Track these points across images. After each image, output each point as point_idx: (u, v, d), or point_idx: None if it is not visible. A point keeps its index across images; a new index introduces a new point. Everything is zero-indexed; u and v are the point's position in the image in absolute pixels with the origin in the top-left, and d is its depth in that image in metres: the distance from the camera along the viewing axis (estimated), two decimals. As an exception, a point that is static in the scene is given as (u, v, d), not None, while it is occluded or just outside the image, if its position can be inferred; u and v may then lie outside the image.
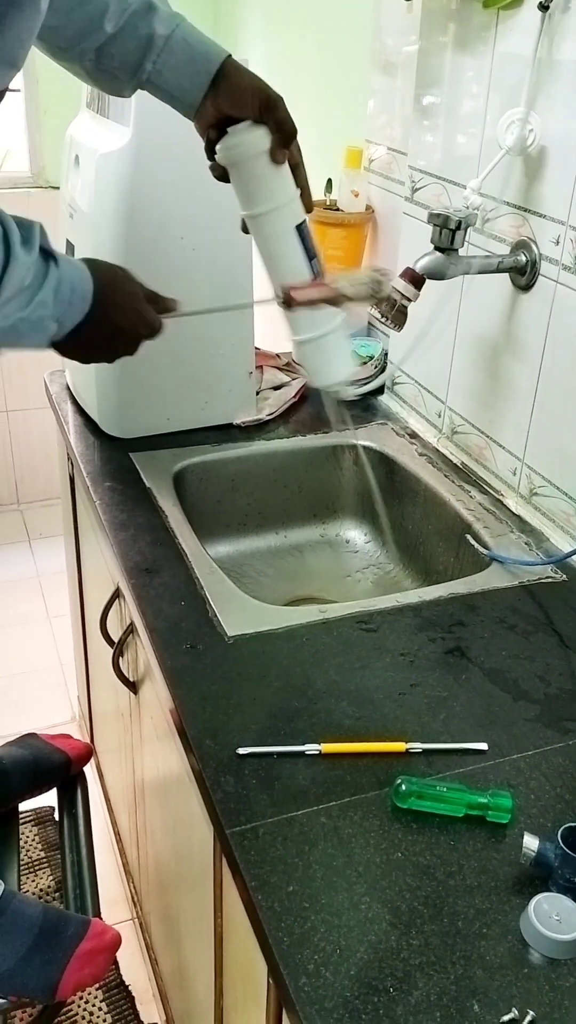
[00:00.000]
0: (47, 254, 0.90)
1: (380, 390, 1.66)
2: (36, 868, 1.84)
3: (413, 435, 1.52)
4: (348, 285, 1.01)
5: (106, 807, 1.90)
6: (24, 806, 1.48)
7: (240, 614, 1.06)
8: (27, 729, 1.54)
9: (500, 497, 1.34)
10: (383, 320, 1.23)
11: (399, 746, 0.87)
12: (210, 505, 1.44)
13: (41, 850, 1.89)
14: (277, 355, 1.73)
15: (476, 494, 1.35)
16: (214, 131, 0.99)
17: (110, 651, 1.33)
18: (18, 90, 2.65)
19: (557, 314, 1.17)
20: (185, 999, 1.36)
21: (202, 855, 1.00)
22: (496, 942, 0.70)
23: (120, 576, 1.16)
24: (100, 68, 0.99)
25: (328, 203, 1.80)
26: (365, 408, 1.61)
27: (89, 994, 1.62)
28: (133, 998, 1.63)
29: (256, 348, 1.54)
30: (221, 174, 1.01)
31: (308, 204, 1.03)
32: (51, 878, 1.81)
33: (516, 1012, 0.65)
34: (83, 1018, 1.59)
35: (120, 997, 1.63)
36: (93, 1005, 1.61)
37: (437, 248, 1.20)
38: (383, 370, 1.64)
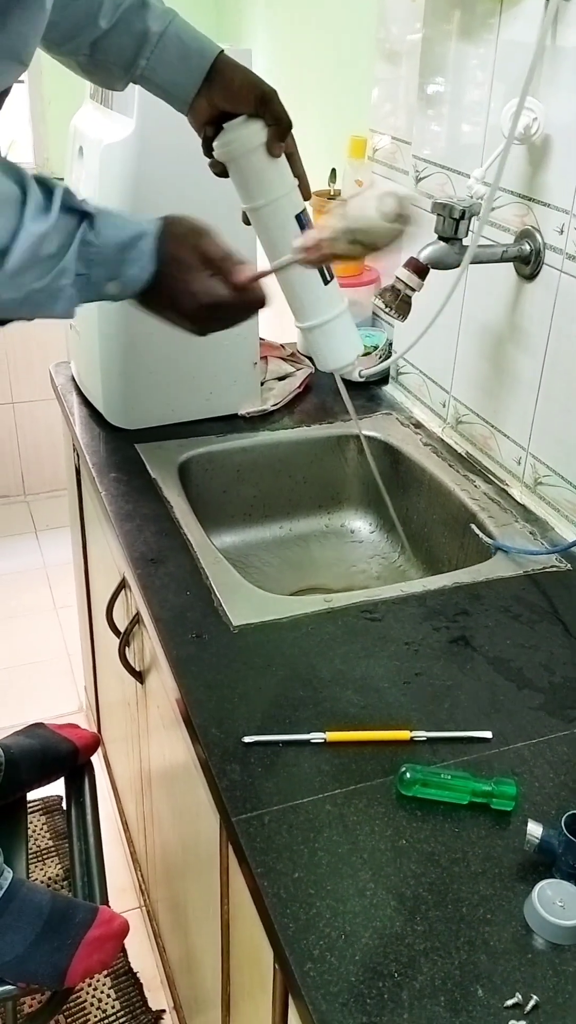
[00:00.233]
0: (81, 215, 0.82)
1: (385, 380, 1.66)
2: (44, 857, 1.85)
3: (418, 425, 1.52)
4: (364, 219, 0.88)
5: (113, 796, 1.92)
6: (32, 795, 1.49)
7: (245, 604, 1.07)
8: (34, 719, 1.55)
9: (505, 486, 1.34)
10: (387, 310, 1.23)
11: (404, 734, 0.88)
12: (215, 496, 1.44)
13: (49, 839, 1.90)
14: (282, 345, 1.73)
15: (481, 483, 1.35)
16: (210, 128, 0.99)
17: (116, 641, 1.34)
18: (22, 81, 2.65)
19: (561, 303, 1.17)
20: (192, 985, 1.37)
21: (208, 843, 1.00)
22: (500, 928, 0.71)
23: (126, 566, 1.16)
24: (94, 62, 1.00)
25: (332, 193, 1.79)
26: (370, 398, 1.62)
27: (98, 981, 1.64)
28: (141, 985, 1.64)
29: (260, 338, 1.54)
30: (221, 170, 1.02)
31: (306, 192, 1.03)
32: (59, 867, 1.83)
33: (520, 997, 0.66)
34: (92, 1004, 1.60)
35: (128, 984, 1.64)
36: (101, 992, 1.62)
37: (441, 238, 1.20)
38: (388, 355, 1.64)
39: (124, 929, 1.25)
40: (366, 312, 1.78)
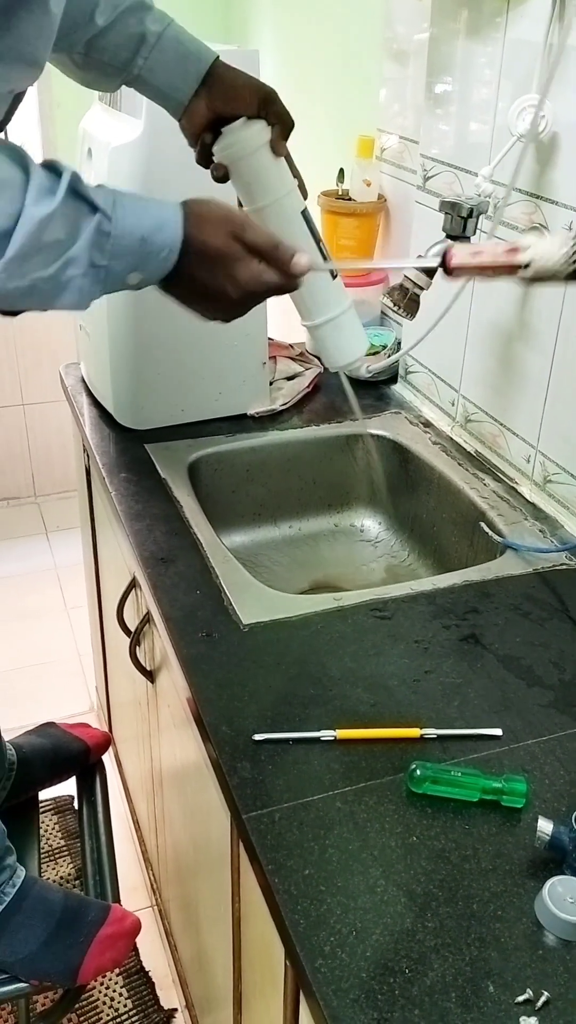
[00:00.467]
0: (92, 205, 0.79)
1: (394, 379, 1.66)
2: (56, 856, 1.86)
3: (427, 424, 1.52)
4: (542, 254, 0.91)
5: (125, 795, 1.92)
6: (44, 795, 1.49)
7: (255, 603, 1.07)
8: (46, 719, 1.55)
9: (514, 485, 1.34)
10: (396, 309, 1.23)
11: (414, 732, 0.88)
12: (225, 495, 1.45)
13: (61, 838, 1.91)
14: (290, 345, 1.73)
15: (490, 482, 1.35)
16: (208, 134, 0.99)
17: (127, 640, 1.34)
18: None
19: (570, 300, 1.17)
20: (204, 984, 1.37)
21: (219, 840, 1.01)
22: (511, 924, 0.71)
23: (136, 566, 1.17)
24: (89, 61, 1.00)
25: (340, 193, 1.80)
26: (379, 397, 1.62)
27: (110, 979, 1.64)
28: (153, 983, 1.65)
29: (269, 338, 1.55)
30: (221, 175, 1.01)
31: (303, 191, 1.04)
32: (71, 866, 1.83)
33: (531, 993, 0.66)
34: (104, 1003, 1.61)
35: (140, 983, 1.65)
36: (113, 990, 1.63)
37: (449, 236, 1.20)
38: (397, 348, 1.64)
39: (136, 927, 1.26)
40: (375, 311, 1.78)
